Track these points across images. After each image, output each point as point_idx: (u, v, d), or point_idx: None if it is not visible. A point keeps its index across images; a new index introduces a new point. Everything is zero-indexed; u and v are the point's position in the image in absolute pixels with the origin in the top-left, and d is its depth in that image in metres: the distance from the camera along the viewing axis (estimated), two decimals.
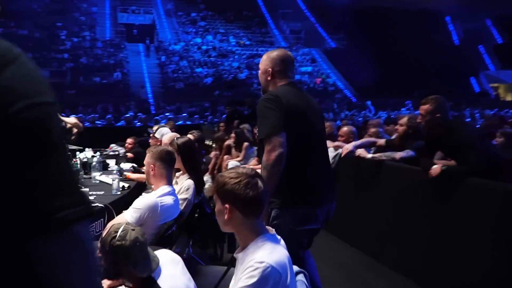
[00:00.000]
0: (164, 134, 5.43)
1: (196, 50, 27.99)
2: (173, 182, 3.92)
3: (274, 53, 3.00)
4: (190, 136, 4.76)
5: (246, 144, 7.37)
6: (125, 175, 4.96)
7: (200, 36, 29.90)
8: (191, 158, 3.77)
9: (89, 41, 27.22)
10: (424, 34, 29.92)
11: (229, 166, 7.45)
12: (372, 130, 6.08)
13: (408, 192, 4.36)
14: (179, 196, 3.62)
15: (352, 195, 5.40)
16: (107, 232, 2.15)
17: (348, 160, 5.36)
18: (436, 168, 3.79)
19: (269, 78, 2.97)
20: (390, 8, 31.14)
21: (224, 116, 13.08)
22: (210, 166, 8.06)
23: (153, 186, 3.39)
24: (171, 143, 3.89)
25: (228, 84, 24.15)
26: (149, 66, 26.10)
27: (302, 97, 2.95)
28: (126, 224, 2.20)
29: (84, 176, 5.05)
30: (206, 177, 6.36)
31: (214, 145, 9.33)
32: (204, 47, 28.48)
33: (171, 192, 3.27)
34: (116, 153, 6.54)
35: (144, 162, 3.40)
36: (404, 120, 5.02)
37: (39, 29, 27.14)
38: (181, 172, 3.86)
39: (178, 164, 3.75)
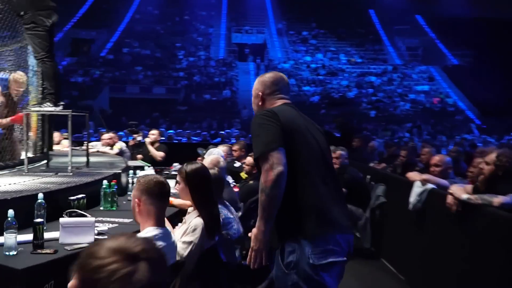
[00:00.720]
0: (214, 154, 4.60)
1: (305, 69, 27.24)
2: (183, 220, 3.04)
3: (265, 76, 2.64)
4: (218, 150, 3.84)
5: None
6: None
7: (310, 54, 29.14)
8: (202, 190, 2.85)
9: (204, 60, 27.92)
10: None
11: None
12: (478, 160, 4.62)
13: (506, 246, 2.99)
14: (183, 239, 2.73)
15: (435, 240, 4.09)
16: None
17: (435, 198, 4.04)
18: None
19: (260, 103, 2.56)
20: None
21: None
22: None
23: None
24: (179, 170, 3.00)
25: (335, 102, 22.92)
26: (256, 74, 25.86)
27: (301, 115, 2.51)
28: None
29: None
30: None
31: None
32: (313, 65, 27.63)
33: (159, 236, 2.37)
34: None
35: (132, 195, 2.57)
36: (491, 157, 3.56)
37: (160, 49, 28.53)
38: (192, 207, 2.96)
39: (186, 197, 2.86)
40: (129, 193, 4.10)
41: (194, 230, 2.75)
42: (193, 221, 2.79)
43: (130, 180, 4.58)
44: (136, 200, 2.38)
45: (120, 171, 4.55)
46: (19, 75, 4.90)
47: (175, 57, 27.95)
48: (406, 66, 28.66)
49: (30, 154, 5.23)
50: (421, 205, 4.40)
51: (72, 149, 7.91)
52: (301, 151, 2.31)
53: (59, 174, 4.22)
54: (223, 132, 13.67)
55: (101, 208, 3.77)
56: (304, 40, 31.13)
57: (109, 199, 3.80)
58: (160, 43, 29.25)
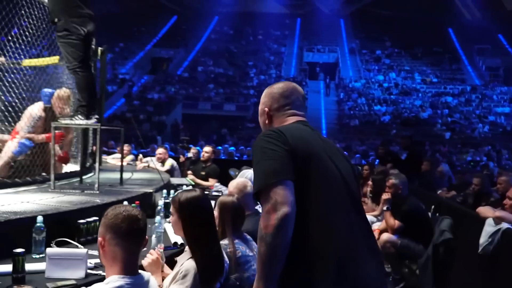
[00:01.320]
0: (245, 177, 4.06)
1: (376, 88, 26.07)
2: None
3: (273, 87, 2.05)
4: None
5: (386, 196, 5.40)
6: None
7: (382, 73, 27.89)
8: (197, 225, 2.25)
9: (274, 78, 27.65)
10: None
11: None
12: None
13: None
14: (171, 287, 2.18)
15: None
16: None
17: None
18: None
19: (267, 122, 2.00)
20: None
21: (371, 158, 11.06)
22: None
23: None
24: (173, 198, 2.45)
25: (407, 122, 21.57)
26: (327, 103, 25.16)
27: (318, 136, 1.93)
28: None
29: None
30: None
31: None
32: (385, 85, 26.36)
33: None
34: (220, 193, 5.37)
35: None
36: None
37: (232, 67, 28.73)
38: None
39: (179, 232, 2.33)
40: (157, 217, 3.68)
41: (185, 276, 2.16)
42: (185, 264, 2.20)
43: (162, 202, 4.16)
44: (100, 238, 1.80)
45: (151, 191, 4.16)
46: (63, 91, 4.69)
47: (247, 75, 27.97)
48: (486, 87, 26.50)
49: (71, 169, 5.06)
50: (492, 248, 3.57)
51: (128, 164, 7.84)
52: (316, 184, 1.70)
53: (85, 192, 3.91)
54: None
55: None
56: (377, 59, 29.94)
57: None
58: (233, 61, 29.47)
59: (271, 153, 1.66)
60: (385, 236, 4.67)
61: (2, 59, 8.08)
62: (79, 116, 4.02)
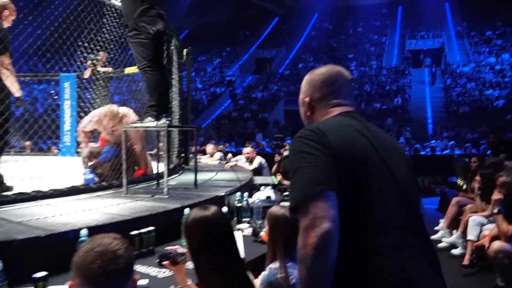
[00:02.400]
0: None
1: (488, 71, 23.06)
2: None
3: (314, 74, 1.60)
4: None
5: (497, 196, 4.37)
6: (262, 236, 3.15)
7: (494, 55, 24.63)
8: (207, 254, 1.69)
9: (375, 69, 26.05)
10: None
11: (471, 223, 4.65)
12: None
13: None
14: None
15: None
16: None
17: None
18: None
19: (308, 113, 1.59)
20: None
21: (482, 147, 9.44)
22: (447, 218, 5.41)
23: None
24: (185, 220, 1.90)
25: None
26: (433, 90, 22.92)
27: (369, 132, 1.43)
28: None
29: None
30: None
31: (463, 187, 6.45)
32: (498, 67, 23.23)
33: None
34: None
35: None
36: None
37: (332, 61, 27.63)
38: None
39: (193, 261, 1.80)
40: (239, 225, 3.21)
41: None
42: None
43: (237, 203, 3.68)
44: (68, 283, 1.29)
45: (222, 194, 3.71)
46: (110, 110, 4.48)
47: (347, 68, 26.46)
48: None
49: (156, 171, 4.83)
50: None
51: (220, 162, 7.58)
52: (367, 193, 1.31)
53: (155, 197, 3.58)
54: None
55: (183, 244, 2.95)
56: (488, 40, 26.55)
57: None
58: (333, 55, 28.36)
59: (310, 158, 1.29)
60: (497, 244, 3.69)
61: (110, 68, 8.34)
62: (149, 118, 3.71)
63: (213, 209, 1.79)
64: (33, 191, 3.30)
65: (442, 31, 28.89)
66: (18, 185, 3.82)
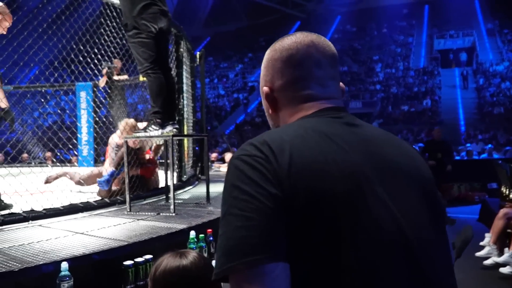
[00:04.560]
0: None
1: None
2: None
3: (274, 48, 1.02)
4: None
5: None
6: None
7: None
8: None
9: (402, 70, 25.24)
10: None
11: None
12: None
13: None
14: None
15: None
16: None
17: None
18: None
19: (270, 111, 1.03)
20: None
21: None
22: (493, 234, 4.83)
23: None
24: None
25: None
26: (464, 91, 21.97)
27: (361, 143, 0.87)
28: None
29: None
30: None
31: (509, 196, 5.85)
32: None
33: None
34: None
35: None
36: None
37: (357, 64, 26.99)
38: None
39: None
40: None
41: None
42: None
43: None
44: None
45: None
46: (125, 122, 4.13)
47: (372, 70, 25.97)
48: None
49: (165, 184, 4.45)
50: None
51: None
52: (349, 258, 0.77)
53: (160, 214, 3.18)
54: (415, 147, 11.27)
55: None
56: None
57: None
58: (357, 58, 27.69)
59: (243, 201, 0.78)
60: None
61: (125, 76, 8.07)
62: (153, 126, 3.32)
63: (191, 256, 1.31)
64: (23, 212, 2.95)
65: (472, 29, 27.83)
66: (20, 201, 3.50)
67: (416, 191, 0.88)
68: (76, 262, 2.10)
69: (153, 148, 4.29)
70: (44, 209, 3.04)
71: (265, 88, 1.01)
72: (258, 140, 0.85)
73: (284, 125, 0.98)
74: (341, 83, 1.04)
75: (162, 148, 4.48)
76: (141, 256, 2.30)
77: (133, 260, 2.25)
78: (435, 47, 28.04)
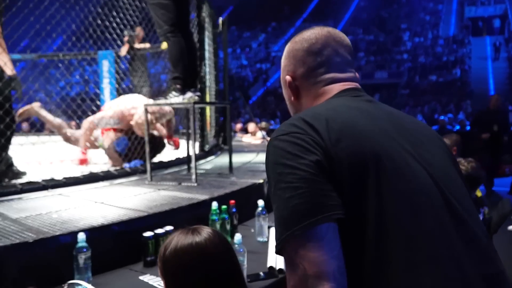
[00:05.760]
0: None
1: None
2: None
3: (295, 41, 1.11)
4: None
5: None
6: None
7: None
8: None
9: (431, 39, 24.27)
10: None
11: None
12: None
13: None
14: None
15: None
16: None
17: None
18: None
19: (293, 99, 1.11)
20: None
21: None
22: None
23: None
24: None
25: None
26: (496, 61, 21.02)
27: (386, 115, 0.97)
28: None
29: None
30: None
31: None
32: None
33: None
34: None
35: None
36: None
37: (384, 33, 26.09)
38: None
39: None
40: (237, 235, 2.62)
41: None
42: None
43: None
44: None
45: (260, 181, 3.12)
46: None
47: (400, 40, 25.07)
48: None
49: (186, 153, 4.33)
50: None
51: (264, 140, 7.02)
52: (387, 212, 0.82)
53: (182, 184, 3.06)
54: (444, 117, 10.82)
55: None
56: None
57: (218, 229, 2.41)
58: (384, 27, 26.75)
59: (289, 174, 0.83)
60: None
61: (147, 45, 7.90)
62: (173, 93, 3.16)
63: (205, 232, 1.15)
64: (43, 180, 2.87)
65: None
66: (35, 170, 3.44)
67: (443, 153, 0.97)
68: (94, 233, 2.00)
69: (164, 126, 4.10)
70: (64, 178, 2.96)
71: (288, 77, 1.07)
72: (291, 120, 0.92)
73: (312, 106, 1.02)
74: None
75: (174, 121, 4.31)
76: (162, 228, 2.19)
77: (153, 231, 2.14)
78: (465, 14, 26.80)
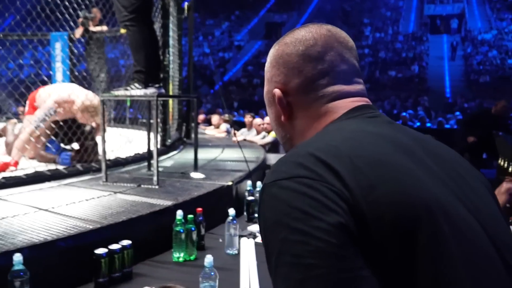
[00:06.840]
0: None
1: (511, 39, 21.67)
2: None
3: (284, 42, 0.83)
4: None
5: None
6: None
7: None
8: None
9: (391, 35, 24.67)
10: None
11: None
12: None
13: None
14: None
15: None
16: None
17: None
18: None
19: (283, 118, 0.83)
20: None
21: None
22: None
23: None
24: None
25: None
26: (452, 58, 21.64)
27: (417, 145, 0.72)
28: None
29: None
30: None
31: (508, 170, 5.56)
32: None
33: None
34: None
35: None
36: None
37: (346, 27, 26.24)
38: None
39: None
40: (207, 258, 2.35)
41: None
42: None
43: (247, 196, 2.84)
44: None
45: (230, 183, 2.85)
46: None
47: (362, 34, 25.30)
48: None
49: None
50: None
51: (227, 134, 6.73)
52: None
53: (141, 186, 2.74)
54: (405, 114, 10.87)
55: (175, 257, 2.12)
56: (511, 6, 24.98)
57: (183, 241, 2.12)
58: (348, 21, 26.91)
59: (299, 247, 0.57)
60: None
61: (104, 27, 7.36)
62: (135, 85, 2.82)
63: None
64: None
65: None
66: None
67: (483, 188, 0.76)
68: (35, 251, 1.67)
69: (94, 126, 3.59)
70: (3, 178, 2.57)
71: (277, 91, 0.82)
72: (298, 153, 0.65)
73: (317, 133, 0.77)
74: None
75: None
76: (117, 242, 1.88)
77: (107, 247, 1.83)
78: (425, 12, 27.43)
